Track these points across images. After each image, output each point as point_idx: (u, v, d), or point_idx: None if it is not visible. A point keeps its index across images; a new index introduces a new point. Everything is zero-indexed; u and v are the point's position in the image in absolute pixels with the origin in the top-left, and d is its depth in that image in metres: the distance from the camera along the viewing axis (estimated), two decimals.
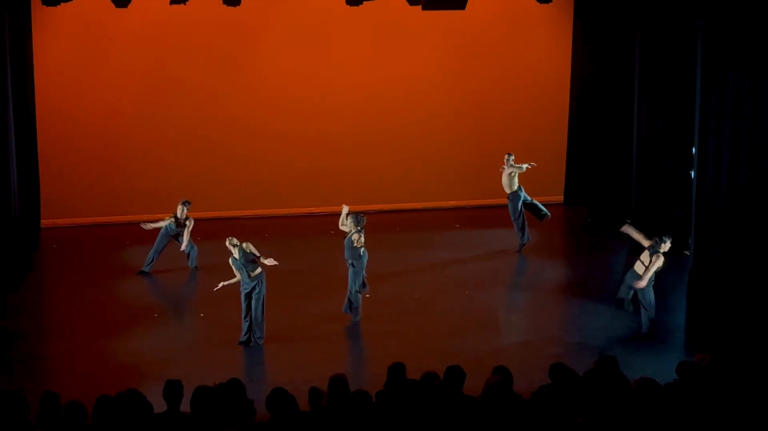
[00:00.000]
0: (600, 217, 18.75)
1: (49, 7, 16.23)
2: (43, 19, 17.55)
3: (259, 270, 12.90)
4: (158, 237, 15.92)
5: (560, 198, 20.36)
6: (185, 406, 7.96)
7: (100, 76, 18.31)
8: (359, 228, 13.57)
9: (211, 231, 17.30)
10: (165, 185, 18.30)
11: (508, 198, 16.89)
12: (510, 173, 16.74)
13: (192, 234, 15.88)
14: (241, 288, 12.89)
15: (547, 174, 19.95)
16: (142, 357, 12.46)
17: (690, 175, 16.08)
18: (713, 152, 14.12)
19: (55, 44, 18.02)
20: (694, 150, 14.95)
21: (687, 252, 15.59)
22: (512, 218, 16.87)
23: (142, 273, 15.81)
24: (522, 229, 16.90)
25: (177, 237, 15.89)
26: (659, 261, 13.04)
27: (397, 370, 8.63)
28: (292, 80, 19.10)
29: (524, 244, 16.93)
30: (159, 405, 8.00)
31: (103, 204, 18.59)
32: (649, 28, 16.90)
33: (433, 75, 19.57)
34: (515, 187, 16.82)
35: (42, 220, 17.97)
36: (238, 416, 8.00)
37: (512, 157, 16.85)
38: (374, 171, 19.53)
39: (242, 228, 18.29)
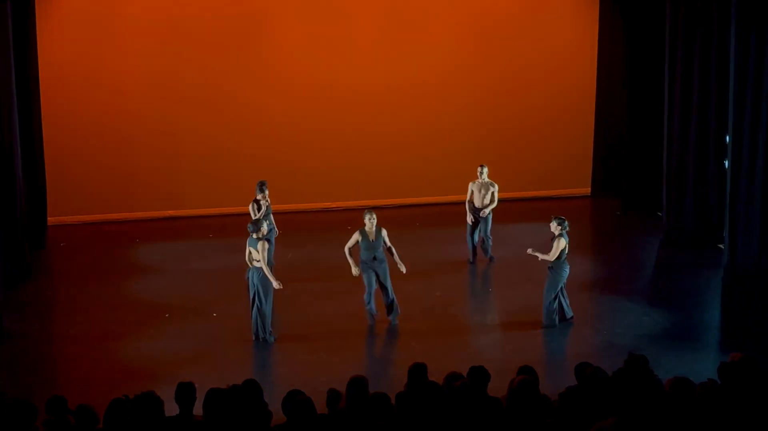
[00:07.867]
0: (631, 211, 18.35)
1: None
2: (47, 12, 17.30)
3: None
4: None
5: (587, 190, 19.99)
6: (198, 409, 7.77)
7: (106, 71, 18.13)
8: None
9: (225, 228, 17.05)
10: (175, 180, 17.92)
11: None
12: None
13: (205, 231, 15.54)
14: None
15: (574, 166, 19.67)
16: (153, 358, 12.21)
17: (724, 164, 15.69)
18: (748, 141, 13.77)
19: (60, 38, 17.86)
20: (727, 138, 14.56)
21: (721, 246, 15.18)
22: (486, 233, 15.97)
23: None
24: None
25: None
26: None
27: (418, 371, 8.38)
28: (309, 74, 18.88)
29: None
30: (171, 409, 7.79)
31: (111, 200, 18.37)
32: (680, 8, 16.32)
33: (455, 65, 19.38)
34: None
35: (48, 218, 17.65)
36: (253, 419, 7.79)
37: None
38: (395, 164, 19.33)
39: None
